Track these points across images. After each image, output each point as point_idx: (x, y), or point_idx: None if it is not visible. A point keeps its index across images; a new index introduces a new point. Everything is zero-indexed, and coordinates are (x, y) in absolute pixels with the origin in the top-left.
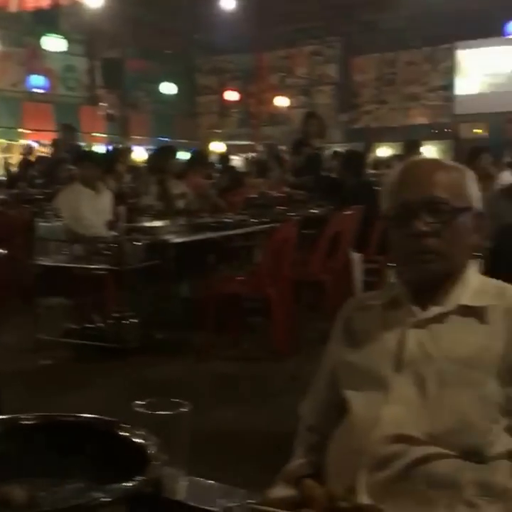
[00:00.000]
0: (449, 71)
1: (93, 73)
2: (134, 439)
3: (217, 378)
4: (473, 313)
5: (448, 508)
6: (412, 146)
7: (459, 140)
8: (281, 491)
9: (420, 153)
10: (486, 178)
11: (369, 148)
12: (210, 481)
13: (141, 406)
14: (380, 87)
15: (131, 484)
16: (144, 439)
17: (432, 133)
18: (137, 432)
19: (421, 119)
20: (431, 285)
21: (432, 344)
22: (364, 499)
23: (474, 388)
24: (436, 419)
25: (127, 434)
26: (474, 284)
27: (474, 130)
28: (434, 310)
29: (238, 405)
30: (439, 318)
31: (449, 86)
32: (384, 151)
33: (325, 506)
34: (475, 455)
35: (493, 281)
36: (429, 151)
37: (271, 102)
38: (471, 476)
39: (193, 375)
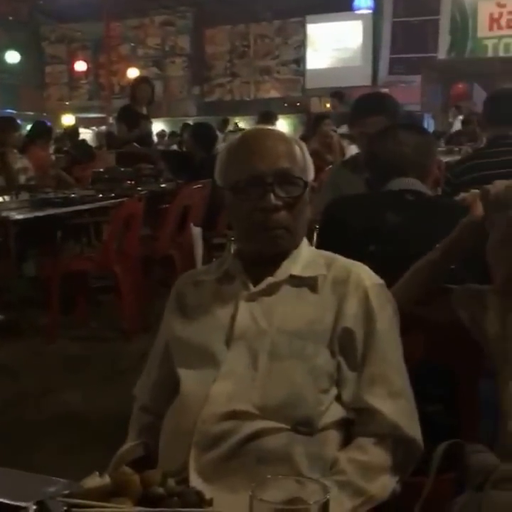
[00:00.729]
0: (300, 45)
1: None
2: None
3: (64, 359)
4: (304, 283)
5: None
6: (267, 118)
7: (310, 114)
8: (96, 479)
9: (275, 126)
10: (328, 145)
11: (227, 122)
12: (25, 473)
13: None
14: (233, 59)
15: None
16: None
17: (284, 107)
18: None
19: (273, 93)
20: (268, 259)
21: (264, 317)
22: (194, 479)
23: (305, 359)
24: (268, 392)
25: None
26: (306, 256)
27: (326, 104)
28: (266, 282)
29: (86, 387)
30: (271, 290)
31: (300, 60)
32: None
33: (140, 493)
34: (306, 427)
35: (323, 252)
36: (282, 125)
37: (122, 73)
38: (301, 449)
39: (40, 356)
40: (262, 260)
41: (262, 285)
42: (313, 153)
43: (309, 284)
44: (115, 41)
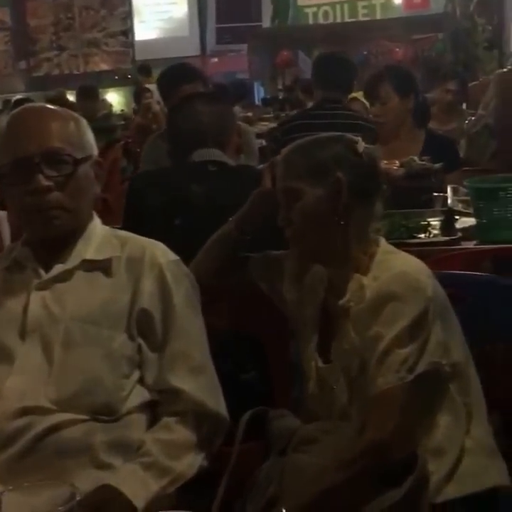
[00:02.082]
0: (127, 16)
1: None
2: None
3: None
4: (98, 267)
5: (79, 474)
6: (86, 92)
7: (141, 86)
8: None
9: (97, 100)
10: (154, 117)
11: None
12: None
13: None
14: (58, 32)
15: None
16: None
17: (115, 79)
18: None
19: (103, 66)
20: (55, 243)
21: (57, 305)
22: None
23: (101, 345)
24: (63, 383)
25: None
26: (98, 237)
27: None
28: (58, 268)
29: None
30: (64, 277)
31: (128, 31)
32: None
33: None
34: (108, 414)
35: (118, 232)
36: (114, 98)
37: None
38: (102, 437)
39: None
40: (49, 245)
41: (53, 272)
42: (139, 127)
43: (103, 267)
44: None
